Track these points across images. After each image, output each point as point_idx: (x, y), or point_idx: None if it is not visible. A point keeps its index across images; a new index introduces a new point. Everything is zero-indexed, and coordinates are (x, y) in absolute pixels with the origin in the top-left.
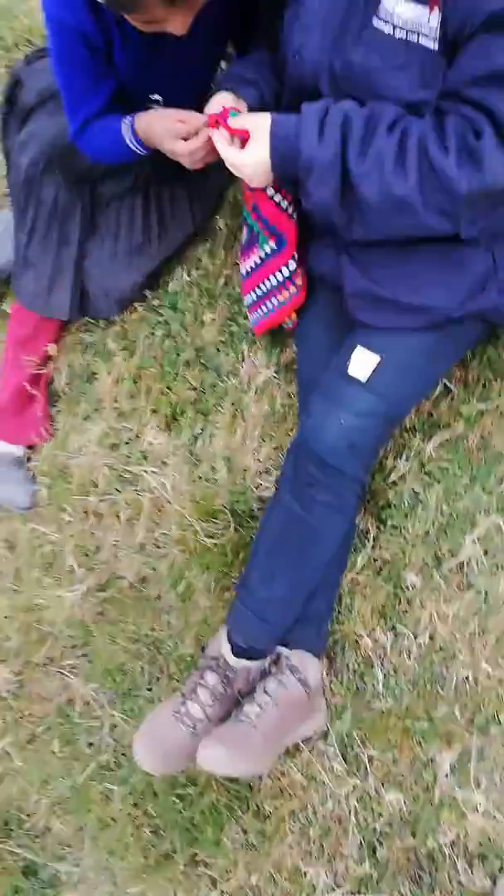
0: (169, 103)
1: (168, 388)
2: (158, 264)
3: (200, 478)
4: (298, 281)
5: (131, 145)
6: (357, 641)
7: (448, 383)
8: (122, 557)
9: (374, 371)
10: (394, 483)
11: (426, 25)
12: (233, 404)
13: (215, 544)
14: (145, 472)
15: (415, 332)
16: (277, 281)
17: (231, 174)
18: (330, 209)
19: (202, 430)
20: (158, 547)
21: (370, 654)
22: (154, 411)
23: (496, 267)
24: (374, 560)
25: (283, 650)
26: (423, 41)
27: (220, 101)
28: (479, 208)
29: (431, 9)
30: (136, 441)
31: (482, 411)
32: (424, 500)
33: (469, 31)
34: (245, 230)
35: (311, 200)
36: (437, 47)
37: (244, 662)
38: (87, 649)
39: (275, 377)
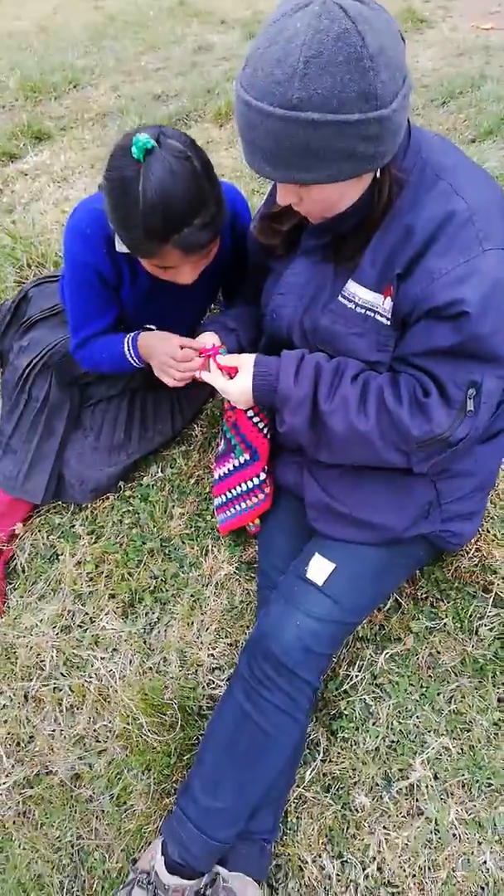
0: (162, 329)
1: (129, 574)
2: (135, 461)
3: (151, 668)
4: (267, 490)
5: (131, 360)
6: (301, 868)
7: (399, 598)
8: (57, 749)
9: (329, 576)
10: (346, 692)
11: (381, 307)
12: (192, 596)
13: (159, 742)
14: (95, 657)
15: (367, 546)
16: (248, 487)
17: (212, 392)
18: (301, 434)
19: (158, 619)
20: (98, 740)
21: (315, 883)
22: (112, 596)
23: (439, 498)
24: (324, 775)
25: (222, 871)
26: (378, 317)
27: (209, 338)
28: (428, 450)
29: (385, 297)
30: (90, 625)
31: (430, 628)
32: (376, 714)
33: (415, 317)
34: (223, 441)
35: (285, 426)
36: (389, 323)
37: (177, 880)
38: (0, 856)
39: (235, 573)
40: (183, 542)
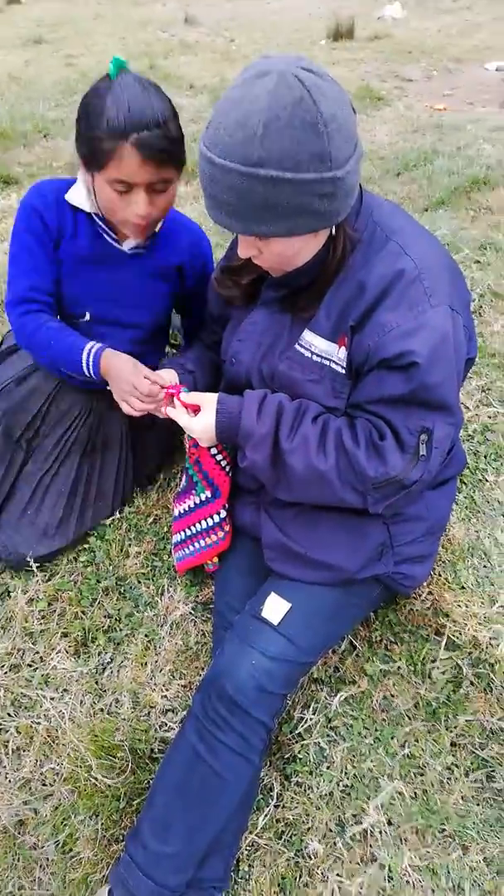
0: (97, 323)
1: (83, 612)
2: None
3: (102, 710)
4: (226, 528)
5: (86, 369)
6: None
7: (353, 640)
8: (0, 794)
9: (285, 616)
10: (300, 735)
11: (336, 356)
12: (147, 636)
13: (108, 786)
14: (44, 697)
15: (322, 586)
16: (208, 525)
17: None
18: (261, 471)
19: (112, 659)
20: (45, 784)
21: None
22: (65, 635)
23: (391, 541)
24: (277, 821)
25: None
26: (333, 365)
27: (169, 376)
28: (383, 491)
29: (340, 346)
30: (40, 664)
31: (385, 671)
32: (330, 757)
33: (368, 366)
34: (185, 478)
35: (246, 461)
36: (344, 371)
37: None
38: None
39: (191, 614)
40: (139, 582)
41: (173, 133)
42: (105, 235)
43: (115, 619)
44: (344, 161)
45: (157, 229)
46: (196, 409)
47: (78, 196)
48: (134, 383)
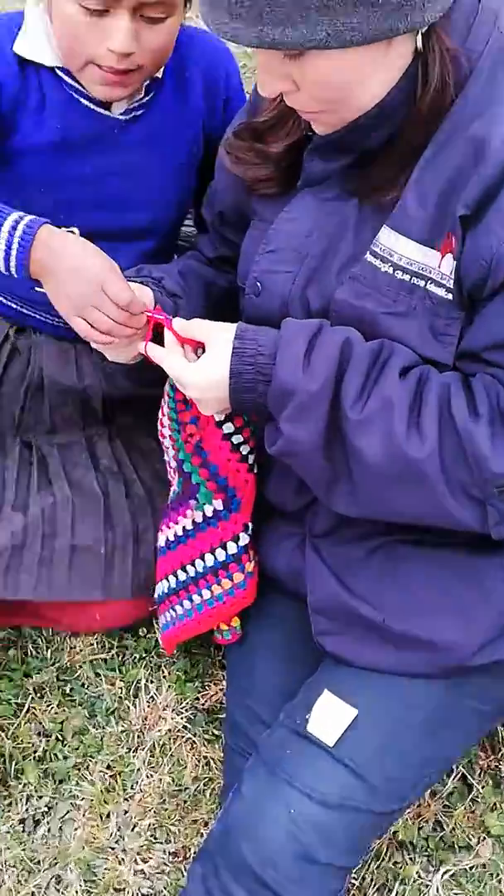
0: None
1: (0, 729)
2: None
3: (35, 894)
4: (249, 565)
5: (8, 263)
6: None
7: (467, 773)
8: None
9: (347, 731)
10: None
11: (436, 270)
12: (110, 768)
13: None
14: None
15: (412, 678)
16: (217, 562)
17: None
18: (307, 458)
19: (50, 808)
20: None
21: None
22: None
23: None
24: None
25: None
26: (432, 287)
27: (143, 294)
28: None
29: (442, 254)
30: None
31: None
32: None
33: (491, 287)
34: (176, 477)
35: (281, 441)
36: (451, 296)
37: None
38: None
39: (186, 728)
40: (96, 674)
41: None
42: (83, 100)
43: (56, 740)
44: None
45: (152, 78)
46: (196, 348)
47: (33, 43)
48: (105, 284)
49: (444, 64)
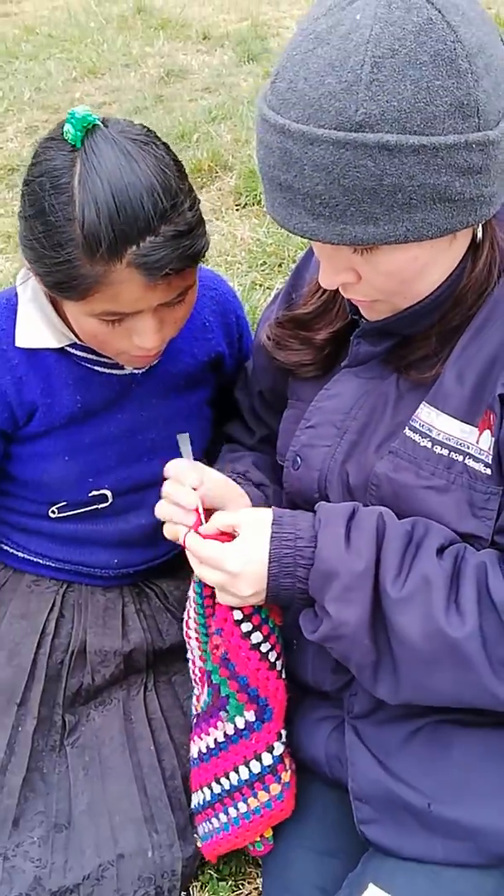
0: (121, 496)
1: None
2: None
3: None
4: (286, 775)
5: None
6: None
7: None
8: None
9: None
10: None
11: (475, 446)
12: None
13: None
14: None
15: (462, 869)
16: (252, 774)
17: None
18: (353, 641)
19: None
20: None
21: None
22: None
23: None
24: None
25: None
26: (470, 462)
27: (236, 491)
28: None
29: (481, 430)
30: None
31: None
32: None
33: None
34: (204, 689)
35: (329, 624)
36: (490, 471)
37: None
38: None
39: None
40: None
41: (188, 218)
42: (98, 368)
43: None
44: (498, 116)
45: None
46: (228, 538)
47: (32, 331)
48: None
49: (493, 253)
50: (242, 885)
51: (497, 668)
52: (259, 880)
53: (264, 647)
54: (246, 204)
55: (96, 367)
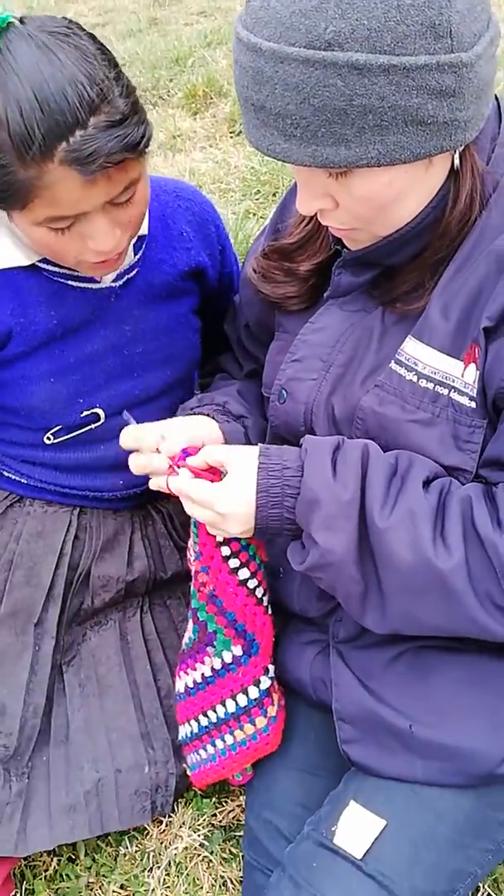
0: (114, 416)
1: None
2: None
3: None
4: (272, 709)
5: None
6: None
7: (493, 891)
8: None
9: (374, 842)
10: None
11: (460, 379)
12: (123, 887)
13: None
14: None
15: (441, 787)
16: (239, 707)
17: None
18: (340, 570)
19: None
20: None
21: None
22: None
23: None
24: None
25: None
26: (455, 395)
27: (210, 430)
28: None
29: (466, 364)
30: None
31: None
32: None
33: None
34: (191, 625)
35: (315, 552)
36: (474, 405)
37: None
38: None
39: (203, 846)
40: None
41: (121, 107)
42: (72, 282)
43: (69, 859)
44: (472, 39)
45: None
46: (216, 475)
47: (1, 252)
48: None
49: (475, 182)
50: (226, 802)
51: (483, 600)
52: (242, 798)
53: (251, 584)
54: (240, 131)
55: (70, 282)
